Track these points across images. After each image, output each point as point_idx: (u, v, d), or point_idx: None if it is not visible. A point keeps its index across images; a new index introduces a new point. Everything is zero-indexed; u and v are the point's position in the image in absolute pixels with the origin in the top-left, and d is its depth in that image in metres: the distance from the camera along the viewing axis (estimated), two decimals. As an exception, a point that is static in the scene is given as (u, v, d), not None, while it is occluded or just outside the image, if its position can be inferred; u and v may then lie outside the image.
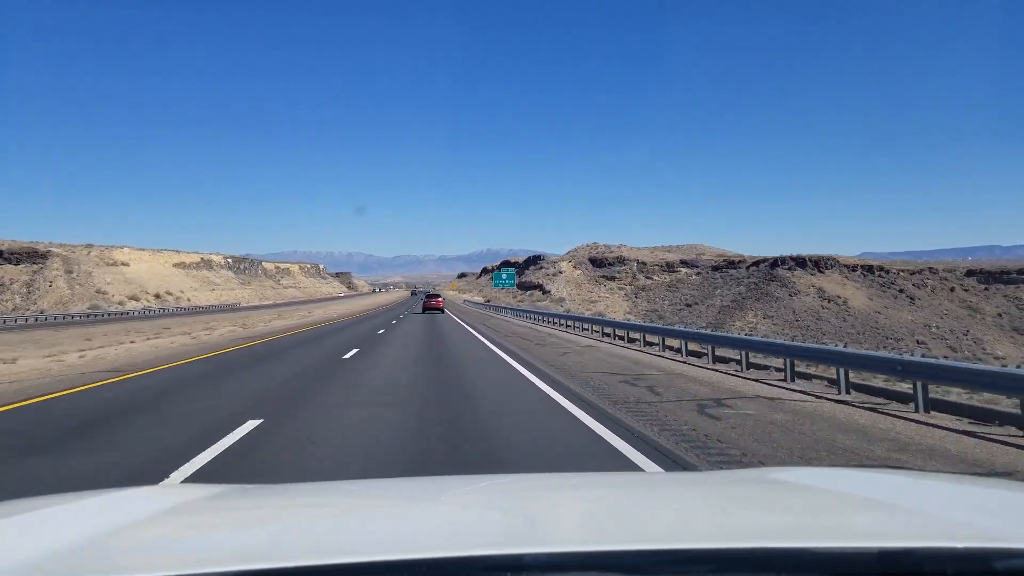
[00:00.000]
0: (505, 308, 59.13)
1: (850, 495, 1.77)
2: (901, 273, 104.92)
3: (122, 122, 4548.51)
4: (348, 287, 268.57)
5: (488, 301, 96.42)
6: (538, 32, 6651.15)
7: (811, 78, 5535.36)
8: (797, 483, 2.05)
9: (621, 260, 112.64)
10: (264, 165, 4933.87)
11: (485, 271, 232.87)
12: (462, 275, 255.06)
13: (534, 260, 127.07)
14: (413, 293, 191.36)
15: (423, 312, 46.74)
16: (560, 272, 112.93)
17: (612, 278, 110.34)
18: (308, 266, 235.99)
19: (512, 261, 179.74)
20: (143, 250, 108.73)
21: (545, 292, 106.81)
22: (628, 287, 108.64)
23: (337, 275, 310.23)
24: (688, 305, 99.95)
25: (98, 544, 1.31)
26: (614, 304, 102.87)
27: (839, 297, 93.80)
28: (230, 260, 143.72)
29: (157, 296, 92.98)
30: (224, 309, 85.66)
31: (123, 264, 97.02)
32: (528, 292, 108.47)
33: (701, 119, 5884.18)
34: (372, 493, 2.21)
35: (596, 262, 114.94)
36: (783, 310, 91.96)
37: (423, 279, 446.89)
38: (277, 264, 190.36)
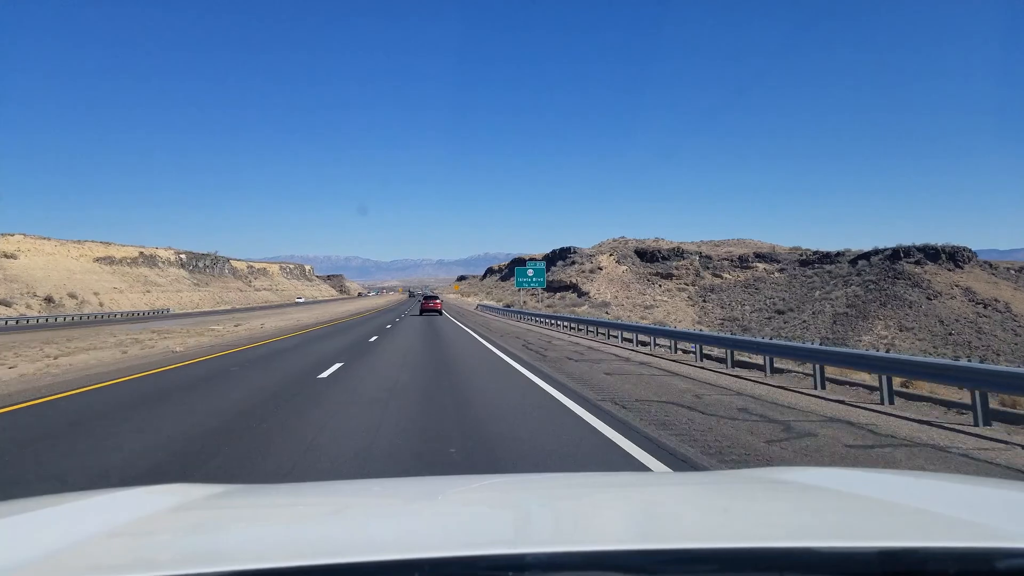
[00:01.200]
0: (569, 319, 33.05)
1: (853, 495, 1.74)
2: (1010, 271, 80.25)
3: (118, 124, 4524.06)
4: (339, 290, 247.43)
5: (509, 305, 71.02)
6: (537, 33, 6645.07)
7: (808, 78, 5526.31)
8: (800, 483, 2.03)
9: (679, 253, 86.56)
10: (258, 168, 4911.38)
11: (490, 271, 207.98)
12: (462, 278, 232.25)
13: (562, 254, 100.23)
14: (411, 295, 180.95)
15: (420, 314, 46.88)
16: (599, 268, 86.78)
17: (669, 276, 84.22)
18: (291, 266, 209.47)
19: (526, 258, 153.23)
20: (47, 240, 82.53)
21: (582, 294, 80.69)
22: (691, 287, 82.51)
23: (328, 277, 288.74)
24: (780, 312, 73.88)
25: (98, 543, 1.29)
26: (676, 310, 76.80)
27: (996, 300, 67.88)
28: (183, 256, 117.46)
29: (49, 300, 66.77)
30: (141, 318, 60.26)
31: (7, 256, 70.84)
32: (558, 294, 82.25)
33: (697, 119, 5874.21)
34: (373, 493, 2.15)
35: (645, 255, 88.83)
36: (924, 319, 65.95)
37: (420, 282, 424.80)
38: (250, 263, 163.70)
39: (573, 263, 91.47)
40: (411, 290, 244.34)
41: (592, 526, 1.52)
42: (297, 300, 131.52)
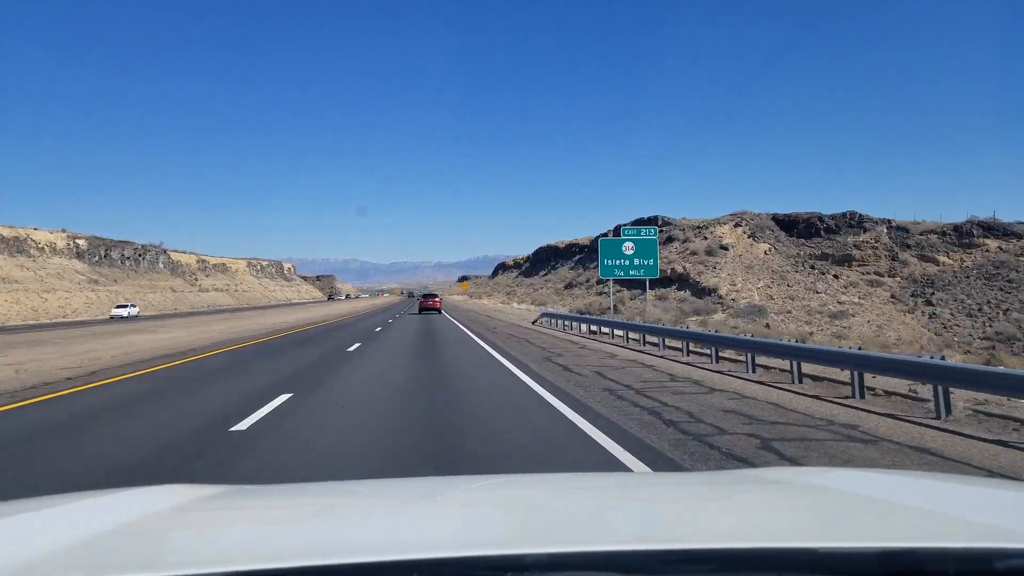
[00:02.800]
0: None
1: (852, 495, 1.74)
2: None
3: (119, 124, 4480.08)
4: (329, 291, 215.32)
5: (583, 311, 37.18)
6: (536, 33, 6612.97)
7: (809, 78, 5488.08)
8: (799, 483, 2.03)
9: (855, 223, 52.24)
10: (255, 170, 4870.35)
11: (503, 267, 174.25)
12: (464, 278, 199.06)
13: (649, 225, 64.83)
14: (410, 295, 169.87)
15: (419, 312, 46.08)
16: (721, 248, 52.38)
17: (845, 260, 49.86)
18: (263, 263, 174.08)
19: (559, 245, 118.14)
20: None
21: (701, 291, 46.52)
22: (888, 279, 48.11)
23: (318, 278, 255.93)
24: (1097, 322, 39.38)
25: (98, 544, 1.30)
26: (886, 320, 42.40)
27: None
28: (81, 243, 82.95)
29: None
30: None
31: None
32: (654, 290, 47.76)
33: (698, 118, 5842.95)
34: (372, 493, 2.16)
35: (795, 227, 54.65)
36: None
37: (420, 285, 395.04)
38: (203, 257, 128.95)
39: (671, 240, 56.98)
40: (411, 291, 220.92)
41: (591, 526, 1.50)
42: (115, 312, 59.39)
